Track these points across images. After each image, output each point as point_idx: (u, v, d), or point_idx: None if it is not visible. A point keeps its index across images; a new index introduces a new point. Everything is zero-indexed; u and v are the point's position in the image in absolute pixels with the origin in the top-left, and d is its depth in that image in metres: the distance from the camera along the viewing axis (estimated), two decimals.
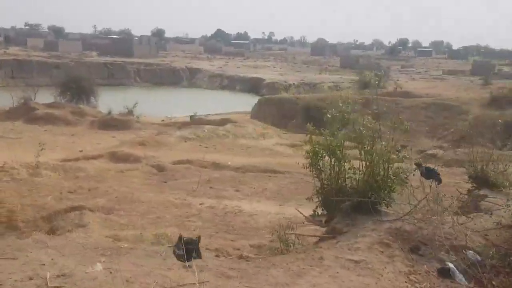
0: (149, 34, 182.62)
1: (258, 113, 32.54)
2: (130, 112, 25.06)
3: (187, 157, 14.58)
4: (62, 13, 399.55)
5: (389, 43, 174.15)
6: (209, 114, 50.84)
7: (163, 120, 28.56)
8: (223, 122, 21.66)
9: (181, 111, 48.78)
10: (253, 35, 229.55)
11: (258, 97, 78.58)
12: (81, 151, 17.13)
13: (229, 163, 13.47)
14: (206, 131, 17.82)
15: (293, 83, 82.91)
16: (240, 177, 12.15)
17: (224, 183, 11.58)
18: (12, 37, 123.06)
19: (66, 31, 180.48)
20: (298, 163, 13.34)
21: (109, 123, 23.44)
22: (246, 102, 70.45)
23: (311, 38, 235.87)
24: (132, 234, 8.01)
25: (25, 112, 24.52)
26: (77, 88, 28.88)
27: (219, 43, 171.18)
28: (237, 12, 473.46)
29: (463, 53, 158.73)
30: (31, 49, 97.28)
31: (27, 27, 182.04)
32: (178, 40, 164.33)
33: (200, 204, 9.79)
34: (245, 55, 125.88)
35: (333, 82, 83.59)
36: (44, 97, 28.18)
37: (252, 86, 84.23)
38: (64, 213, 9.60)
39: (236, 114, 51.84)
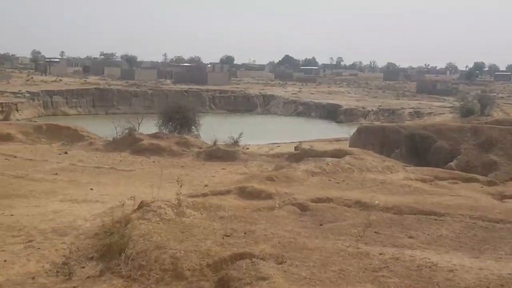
0: (217, 61, 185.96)
1: (357, 142, 31.34)
2: (236, 143, 24.49)
3: (325, 194, 13.57)
4: (133, 42, 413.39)
5: (466, 67, 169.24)
6: (292, 142, 50.13)
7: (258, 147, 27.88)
8: (337, 153, 20.59)
9: (266, 139, 48.30)
10: (321, 60, 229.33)
11: (336, 124, 78.09)
12: (206, 185, 16.49)
13: (376, 202, 12.35)
14: (330, 164, 16.78)
15: (371, 109, 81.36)
16: (400, 220, 11.02)
17: (389, 227, 10.48)
18: (90, 66, 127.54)
19: (138, 59, 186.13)
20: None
21: (214, 154, 22.90)
22: (326, 129, 69.50)
23: (380, 63, 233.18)
24: None
25: (130, 143, 24.38)
26: (181, 118, 28.73)
27: (288, 69, 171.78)
28: (303, 37, 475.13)
29: None
30: (108, 78, 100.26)
31: (102, 57, 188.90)
32: (248, 67, 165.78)
33: (380, 254, 8.72)
34: (317, 81, 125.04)
35: (413, 108, 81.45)
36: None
37: (328, 112, 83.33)
38: (231, 261, 8.76)
39: (319, 141, 50.91)
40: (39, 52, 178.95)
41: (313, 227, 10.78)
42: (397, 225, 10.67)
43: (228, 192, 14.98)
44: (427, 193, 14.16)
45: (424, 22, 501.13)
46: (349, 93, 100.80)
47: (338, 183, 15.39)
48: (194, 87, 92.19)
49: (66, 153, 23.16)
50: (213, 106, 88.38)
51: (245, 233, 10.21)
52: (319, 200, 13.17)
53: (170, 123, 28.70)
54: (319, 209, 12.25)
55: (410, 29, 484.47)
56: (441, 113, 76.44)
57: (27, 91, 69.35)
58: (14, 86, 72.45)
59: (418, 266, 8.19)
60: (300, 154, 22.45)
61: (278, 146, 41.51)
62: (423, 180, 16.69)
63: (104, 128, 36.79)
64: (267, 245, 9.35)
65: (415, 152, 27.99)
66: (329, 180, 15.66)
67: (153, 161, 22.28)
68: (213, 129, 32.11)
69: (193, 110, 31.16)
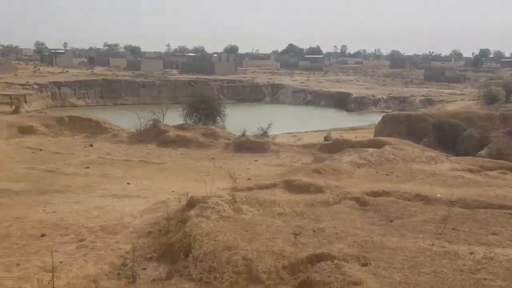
0: (221, 50, 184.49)
1: (382, 131, 30.70)
2: (265, 133, 23.80)
3: (379, 187, 12.96)
4: (135, 32, 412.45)
5: (472, 54, 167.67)
6: (307, 131, 49.47)
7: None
8: (373, 143, 19.92)
9: (281, 129, 47.61)
10: (325, 49, 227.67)
11: (346, 112, 77.32)
12: (249, 179, 15.85)
13: (438, 195, 11.75)
14: (374, 155, 16.15)
15: (382, 98, 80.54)
16: (472, 214, 10.42)
17: (464, 223, 9.88)
18: (95, 57, 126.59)
19: (142, 50, 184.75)
20: None
21: (244, 146, 22.21)
22: (337, 118, 68.78)
23: (384, 51, 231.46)
24: None
25: (155, 135, 23.70)
26: (206, 108, 28.01)
27: (292, 58, 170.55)
28: (306, 26, 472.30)
29: None
30: (114, 69, 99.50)
31: (106, 48, 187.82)
32: (253, 56, 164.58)
33: (470, 253, 8.10)
34: (324, 69, 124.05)
35: (423, 95, 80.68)
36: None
37: (337, 101, 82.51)
38: (310, 263, 8.13)
39: (335, 130, 50.24)
40: (43, 44, 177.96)
41: (383, 223, 10.16)
42: (472, 221, 10.06)
43: (273, 185, 14.34)
44: (484, 184, 13.55)
45: (427, 9, 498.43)
46: (357, 81, 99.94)
47: (387, 175, 14.76)
48: (202, 77, 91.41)
49: (91, 145, 22.56)
50: (221, 96, 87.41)
51: (314, 231, 9.60)
52: (375, 194, 12.55)
53: (195, 114, 28.01)
54: (380, 203, 11.63)
55: (413, 16, 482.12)
56: (452, 100, 75.75)
57: (35, 83, 68.70)
58: (22, 78, 71.83)
59: None
60: (333, 145, 21.80)
61: (294, 136, 40.86)
62: (470, 171, 16.07)
63: (118, 119, 36.16)
64: (343, 245, 8.73)
65: (443, 140, 27.34)
66: (377, 172, 15.04)
67: (182, 153, 21.65)
68: (226, 119, 31.28)
69: (218, 101, 30.42)
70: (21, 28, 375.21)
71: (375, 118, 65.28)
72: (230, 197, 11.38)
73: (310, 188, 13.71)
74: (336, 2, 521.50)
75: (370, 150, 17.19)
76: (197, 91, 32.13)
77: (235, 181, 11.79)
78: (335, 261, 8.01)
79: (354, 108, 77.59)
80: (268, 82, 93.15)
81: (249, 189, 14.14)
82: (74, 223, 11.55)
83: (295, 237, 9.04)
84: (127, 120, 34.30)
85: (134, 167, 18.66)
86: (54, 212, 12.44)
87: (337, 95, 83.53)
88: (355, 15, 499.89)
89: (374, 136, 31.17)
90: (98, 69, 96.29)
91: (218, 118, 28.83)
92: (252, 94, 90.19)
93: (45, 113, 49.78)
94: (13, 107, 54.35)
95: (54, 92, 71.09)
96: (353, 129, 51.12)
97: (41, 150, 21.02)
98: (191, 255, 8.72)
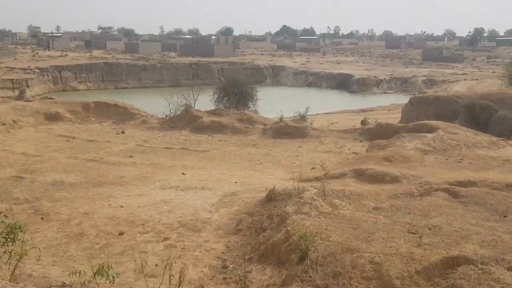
0: (214, 32, 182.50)
1: (410, 113, 29.94)
2: (303, 118, 22.95)
3: (461, 177, 12.29)
4: (128, 15, 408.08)
5: (469, 32, 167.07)
6: (318, 114, 48.59)
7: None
8: (420, 127, 19.20)
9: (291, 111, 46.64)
10: (318, 30, 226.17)
11: (349, 94, 76.53)
12: (313, 168, 15.06)
13: None
14: (437, 141, 15.45)
15: (384, 78, 79.66)
16: None
17: None
18: (91, 41, 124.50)
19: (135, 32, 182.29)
20: None
21: (282, 131, 21.38)
22: (341, 99, 67.98)
23: (376, 31, 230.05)
24: None
25: (188, 121, 22.77)
26: (239, 93, 26.99)
27: (287, 40, 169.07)
28: (299, 6, 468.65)
29: None
30: (112, 52, 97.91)
31: (99, 30, 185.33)
32: (249, 38, 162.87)
33: None
34: (321, 50, 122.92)
35: (425, 76, 79.85)
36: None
37: (339, 82, 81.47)
38: (445, 267, 7.38)
39: (346, 112, 49.47)
40: (37, 27, 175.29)
41: (498, 219, 9.44)
42: None
43: (343, 175, 13.63)
44: None
45: None
46: (357, 62, 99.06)
47: (459, 162, 14.07)
48: (202, 59, 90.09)
49: (123, 132, 21.66)
50: (222, 79, 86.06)
51: (430, 229, 8.85)
52: (460, 184, 11.87)
53: (226, 98, 27.01)
54: (474, 195, 10.89)
55: None
56: (456, 80, 75.03)
57: (36, 67, 67.25)
58: (22, 62, 70.29)
59: None
60: (376, 129, 21.07)
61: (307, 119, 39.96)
62: None
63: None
64: (473, 245, 8.00)
65: (475, 122, 26.68)
66: (447, 159, 14.34)
67: (220, 140, 20.80)
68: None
69: (250, 85, 29.39)
70: (12, 12, 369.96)
71: (379, 99, 64.73)
72: (318, 190, 10.62)
73: (385, 178, 13.03)
74: None
75: (429, 135, 16.50)
76: (228, 75, 31.05)
77: (326, 173, 10.95)
78: (479, 265, 7.28)
79: (357, 90, 76.71)
80: (269, 64, 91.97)
81: (318, 179, 13.38)
82: (148, 219, 10.81)
83: (421, 238, 8.27)
84: (136, 103, 33.30)
85: (178, 156, 17.84)
86: (121, 206, 11.68)
87: (339, 76, 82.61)
88: None
89: (402, 119, 30.52)
90: (96, 52, 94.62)
91: (250, 102, 27.83)
92: (253, 76, 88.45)
93: (50, 98, 48.62)
94: (17, 93, 52.99)
95: (55, 76, 69.59)
96: (364, 111, 50.20)
97: (74, 138, 20.13)
98: (308, 258, 7.96)
